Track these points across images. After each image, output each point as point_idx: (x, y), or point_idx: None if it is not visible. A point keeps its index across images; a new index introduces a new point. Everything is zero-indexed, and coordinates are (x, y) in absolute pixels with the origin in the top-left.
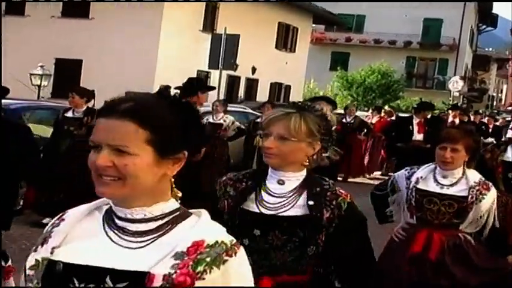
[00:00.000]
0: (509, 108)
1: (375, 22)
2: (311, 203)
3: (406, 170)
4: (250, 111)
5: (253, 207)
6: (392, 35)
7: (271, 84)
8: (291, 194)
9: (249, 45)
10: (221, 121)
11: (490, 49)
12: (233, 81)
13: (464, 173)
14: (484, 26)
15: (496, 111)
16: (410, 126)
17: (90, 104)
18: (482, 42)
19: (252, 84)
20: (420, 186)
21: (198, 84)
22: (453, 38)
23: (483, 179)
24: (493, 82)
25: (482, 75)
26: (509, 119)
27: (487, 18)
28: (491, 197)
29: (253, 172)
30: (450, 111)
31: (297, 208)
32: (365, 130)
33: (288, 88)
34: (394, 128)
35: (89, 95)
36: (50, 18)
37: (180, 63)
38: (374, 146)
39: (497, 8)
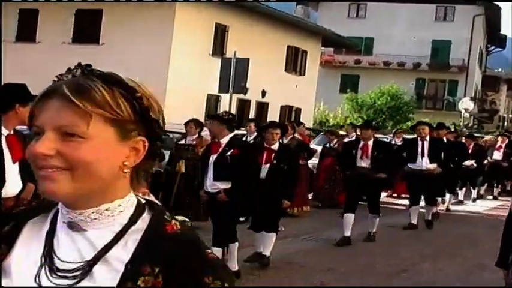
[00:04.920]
0: None
1: (383, 44)
2: None
3: None
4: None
5: None
6: (402, 56)
7: (281, 107)
8: None
9: (258, 69)
10: (195, 142)
11: (500, 70)
12: (243, 105)
13: None
14: (492, 47)
15: (504, 131)
16: (354, 150)
17: None
18: (491, 63)
19: (262, 108)
20: None
21: (14, 95)
22: (462, 59)
23: None
24: (503, 103)
25: (492, 96)
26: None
27: (496, 39)
28: None
29: None
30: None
31: None
32: (305, 154)
33: (298, 111)
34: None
35: None
36: (60, 44)
37: (190, 87)
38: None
39: (505, 29)
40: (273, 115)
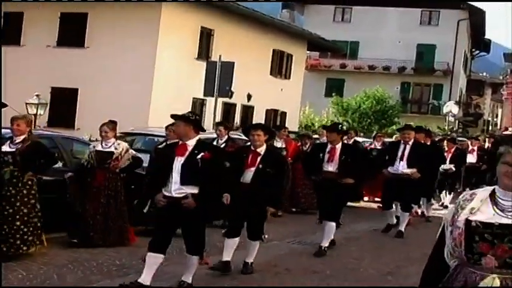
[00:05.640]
0: (505, 132)
1: (368, 48)
2: None
3: None
4: (246, 138)
5: None
6: (387, 60)
7: (266, 110)
8: None
9: (244, 73)
10: (112, 149)
11: (484, 74)
12: (229, 109)
13: None
14: (477, 51)
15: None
16: (321, 154)
17: None
18: (475, 67)
19: (247, 111)
20: None
21: None
22: (447, 63)
23: None
24: (488, 107)
25: (476, 100)
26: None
27: (480, 43)
28: None
29: None
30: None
31: None
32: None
33: (283, 115)
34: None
35: None
36: (45, 47)
37: (176, 91)
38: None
39: (489, 33)
40: (259, 119)
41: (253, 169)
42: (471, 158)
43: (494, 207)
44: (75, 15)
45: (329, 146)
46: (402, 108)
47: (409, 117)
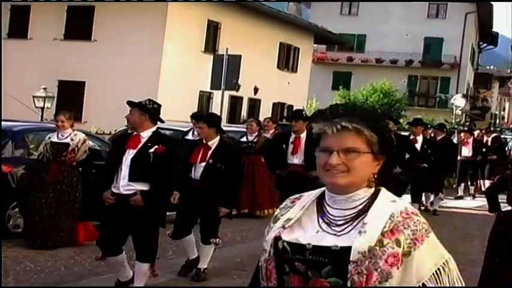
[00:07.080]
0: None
1: (376, 41)
2: None
3: None
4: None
5: None
6: (394, 54)
7: (273, 104)
8: None
9: (251, 66)
10: (68, 140)
11: (492, 67)
12: (236, 102)
13: None
14: (484, 44)
15: (499, 128)
16: (284, 145)
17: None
18: (483, 61)
19: (254, 105)
20: None
21: None
22: (454, 56)
23: None
24: (495, 100)
25: (484, 93)
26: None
27: (488, 36)
28: None
29: None
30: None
31: None
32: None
33: (290, 108)
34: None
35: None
36: (52, 40)
37: (183, 84)
38: None
39: (497, 27)
40: (265, 112)
41: (203, 164)
42: (466, 152)
43: (320, 220)
44: (82, 8)
45: (293, 135)
46: (409, 102)
47: (416, 111)
